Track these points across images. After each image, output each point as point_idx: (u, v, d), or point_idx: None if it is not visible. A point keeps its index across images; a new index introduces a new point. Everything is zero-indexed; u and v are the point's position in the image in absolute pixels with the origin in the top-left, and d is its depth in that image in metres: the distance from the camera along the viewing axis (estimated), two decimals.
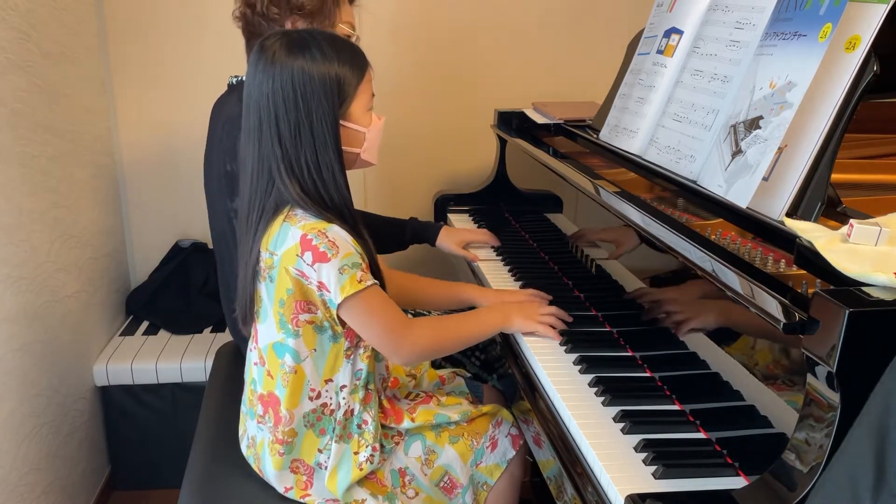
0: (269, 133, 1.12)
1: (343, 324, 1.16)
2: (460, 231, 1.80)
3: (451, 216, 2.05)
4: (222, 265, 1.60)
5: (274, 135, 1.12)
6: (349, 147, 1.19)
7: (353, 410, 1.21)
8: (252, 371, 1.24)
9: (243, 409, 1.30)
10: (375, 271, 1.18)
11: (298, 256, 1.11)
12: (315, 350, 1.17)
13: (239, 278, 1.21)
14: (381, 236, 1.86)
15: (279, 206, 1.15)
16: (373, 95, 1.21)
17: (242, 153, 1.17)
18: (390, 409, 1.27)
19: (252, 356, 1.24)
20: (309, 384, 1.18)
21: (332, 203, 1.15)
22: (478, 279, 1.64)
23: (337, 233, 1.12)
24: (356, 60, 1.17)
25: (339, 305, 1.12)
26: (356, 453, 1.21)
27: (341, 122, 1.16)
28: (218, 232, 1.57)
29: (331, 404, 1.20)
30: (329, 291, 1.11)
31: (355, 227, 1.16)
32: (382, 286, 1.18)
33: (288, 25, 1.48)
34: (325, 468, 1.20)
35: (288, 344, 1.16)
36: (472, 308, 1.45)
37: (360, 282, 1.11)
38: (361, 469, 1.20)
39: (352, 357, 1.19)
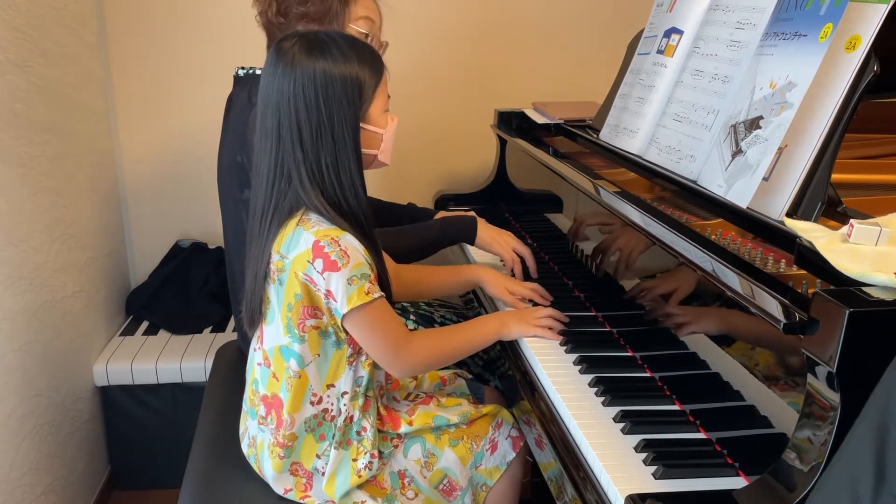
0: (289, 136, 1.12)
1: (347, 331, 1.16)
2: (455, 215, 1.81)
3: None
4: (231, 258, 1.59)
5: (295, 138, 1.11)
6: (367, 149, 1.19)
7: (352, 417, 1.21)
8: (255, 371, 1.24)
9: (244, 407, 1.30)
10: (384, 281, 1.18)
11: (309, 263, 1.10)
12: (319, 355, 1.17)
13: (247, 279, 1.21)
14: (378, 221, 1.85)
15: (293, 209, 1.15)
16: (388, 97, 1.21)
17: (257, 155, 1.16)
18: (387, 415, 1.27)
19: (256, 356, 1.24)
20: (311, 389, 1.18)
21: (348, 207, 1.14)
22: None
23: (349, 242, 1.11)
24: (374, 62, 1.17)
25: (344, 316, 1.12)
26: (354, 460, 1.20)
27: (361, 124, 1.16)
28: (229, 225, 1.57)
29: (332, 410, 1.20)
30: (336, 301, 1.11)
31: (368, 235, 1.16)
32: (390, 297, 1.18)
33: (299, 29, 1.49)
34: (324, 474, 1.20)
35: (293, 348, 1.16)
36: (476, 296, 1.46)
37: (367, 294, 1.11)
38: (360, 476, 1.19)
39: (354, 364, 1.19)
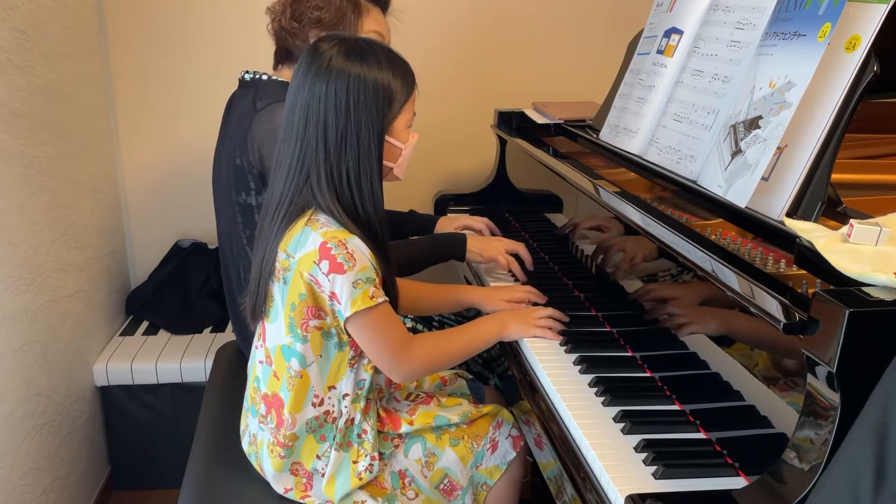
0: (314, 136, 1.12)
1: (349, 333, 1.16)
2: (457, 217, 1.82)
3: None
4: (226, 260, 1.59)
5: (320, 138, 1.12)
6: (386, 161, 1.20)
7: (353, 419, 1.21)
8: (257, 369, 1.24)
9: (245, 405, 1.30)
10: (390, 286, 1.18)
11: (315, 264, 1.11)
12: (321, 356, 1.17)
13: (252, 271, 1.21)
14: None
15: (304, 209, 1.15)
16: (414, 114, 1.22)
17: (280, 151, 1.17)
18: (387, 417, 1.27)
19: (258, 354, 1.24)
20: (313, 390, 1.18)
21: (363, 214, 1.15)
22: (478, 280, 1.64)
23: (356, 245, 1.12)
24: (407, 76, 1.18)
25: (348, 319, 1.12)
26: (355, 462, 1.20)
27: (385, 135, 1.16)
28: (224, 227, 1.57)
29: (333, 412, 1.20)
30: (340, 303, 1.11)
31: (378, 241, 1.16)
32: (395, 303, 1.19)
33: (311, 38, 1.50)
34: (324, 475, 1.20)
35: (295, 348, 1.16)
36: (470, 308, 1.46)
37: (371, 298, 1.11)
38: (360, 479, 1.20)
39: (355, 366, 1.19)
